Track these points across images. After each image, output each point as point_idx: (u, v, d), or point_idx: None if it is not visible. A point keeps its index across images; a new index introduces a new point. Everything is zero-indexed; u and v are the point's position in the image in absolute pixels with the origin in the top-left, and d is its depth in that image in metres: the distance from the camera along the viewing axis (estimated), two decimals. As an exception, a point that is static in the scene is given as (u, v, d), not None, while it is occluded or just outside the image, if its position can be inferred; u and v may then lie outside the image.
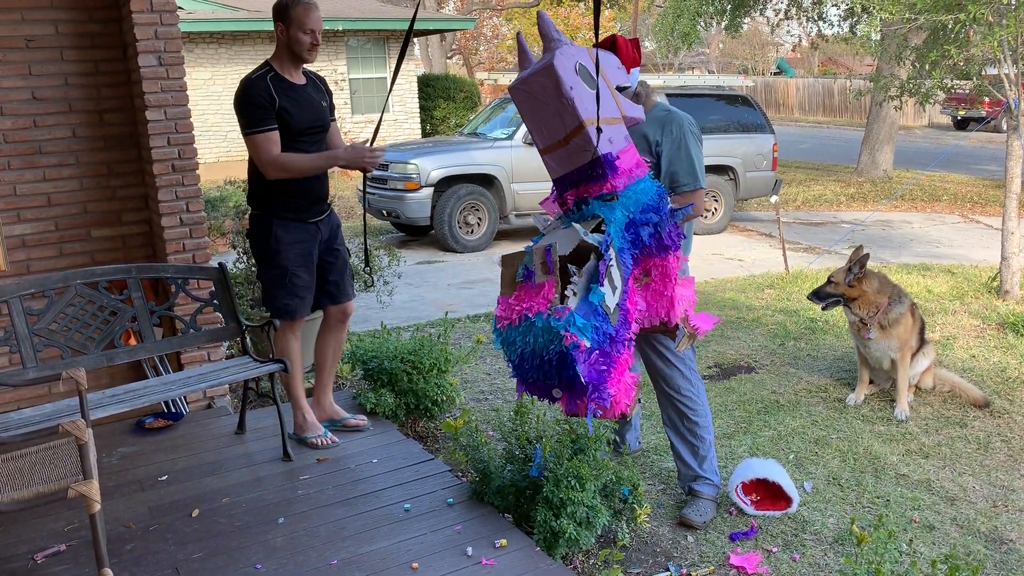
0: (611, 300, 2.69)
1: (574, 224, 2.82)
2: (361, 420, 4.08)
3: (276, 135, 3.54)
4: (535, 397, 2.79)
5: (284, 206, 3.67)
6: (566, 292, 2.63)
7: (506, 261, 2.87)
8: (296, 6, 3.56)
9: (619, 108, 2.96)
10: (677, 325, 2.96)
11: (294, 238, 3.69)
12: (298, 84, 3.68)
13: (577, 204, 2.95)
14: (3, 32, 4.00)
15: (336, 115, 3.95)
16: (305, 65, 3.73)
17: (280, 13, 3.59)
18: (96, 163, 4.28)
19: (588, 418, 2.72)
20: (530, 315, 2.67)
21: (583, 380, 2.56)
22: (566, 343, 2.53)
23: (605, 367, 2.65)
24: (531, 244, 2.80)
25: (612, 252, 2.72)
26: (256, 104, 3.53)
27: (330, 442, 3.88)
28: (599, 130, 2.71)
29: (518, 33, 3.18)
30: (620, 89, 3.07)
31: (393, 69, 16.62)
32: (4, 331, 3.47)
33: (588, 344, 2.56)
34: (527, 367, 2.72)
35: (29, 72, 4.08)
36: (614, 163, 2.84)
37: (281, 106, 3.56)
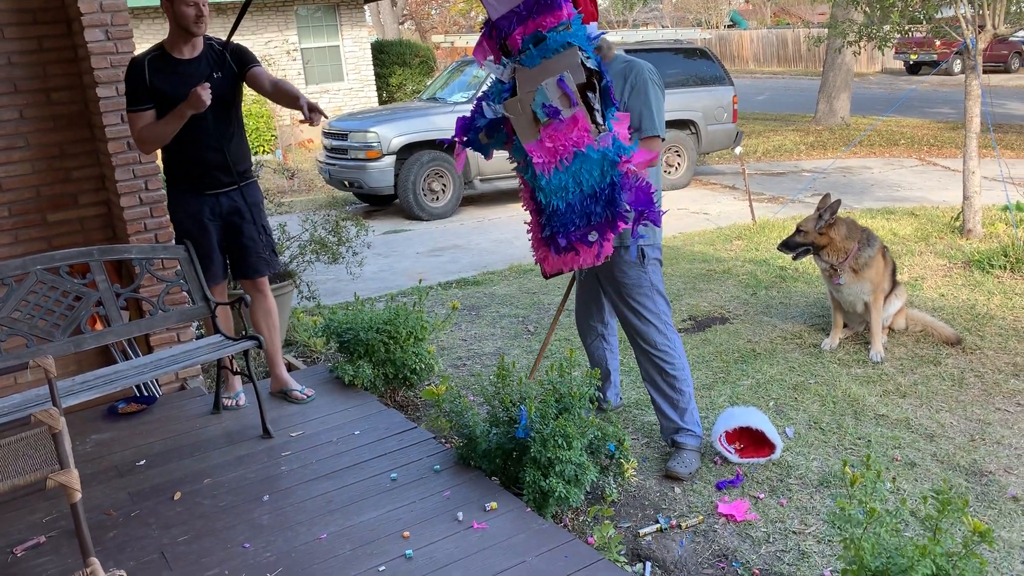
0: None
1: (572, 45, 2.73)
2: (309, 391, 4.11)
3: (147, 114, 3.65)
4: (558, 256, 2.74)
5: (175, 178, 3.84)
6: (597, 120, 2.58)
7: (512, 108, 2.80)
8: None
9: None
10: None
11: (185, 209, 3.84)
12: (186, 59, 3.69)
13: (531, 41, 2.85)
14: (-62, 11, 3.82)
15: (257, 61, 3.89)
16: (203, 35, 3.72)
17: None
18: (47, 144, 4.12)
19: (633, 249, 2.63)
20: (580, 149, 2.59)
21: (634, 207, 2.53)
22: (621, 167, 2.49)
23: (649, 186, 2.63)
24: (503, 94, 2.73)
25: (607, 76, 2.66)
26: (128, 84, 3.66)
27: (235, 405, 4.04)
28: None
29: None
30: None
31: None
32: (-36, 322, 3.35)
33: (634, 168, 2.52)
34: (575, 211, 2.66)
35: (-31, 52, 3.90)
36: None
37: (154, 86, 3.63)
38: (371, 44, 18.92)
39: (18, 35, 4.00)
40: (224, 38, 3.84)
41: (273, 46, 16.45)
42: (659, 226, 2.82)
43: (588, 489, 3.13)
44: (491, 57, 3.08)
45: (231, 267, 4.03)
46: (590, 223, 2.67)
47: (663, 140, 3.32)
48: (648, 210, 2.61)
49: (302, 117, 3.62)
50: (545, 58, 2.82)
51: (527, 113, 2.72)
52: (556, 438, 2.98)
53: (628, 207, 2.51)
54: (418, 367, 4.18)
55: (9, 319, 3.40)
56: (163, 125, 3.63)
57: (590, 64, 2.64)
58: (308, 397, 4.06)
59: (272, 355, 4.11)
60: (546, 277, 3.19)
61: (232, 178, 3.85)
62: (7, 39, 3.98)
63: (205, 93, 3.50)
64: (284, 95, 3.70)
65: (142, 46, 3.83)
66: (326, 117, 3.70)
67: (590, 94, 2.59)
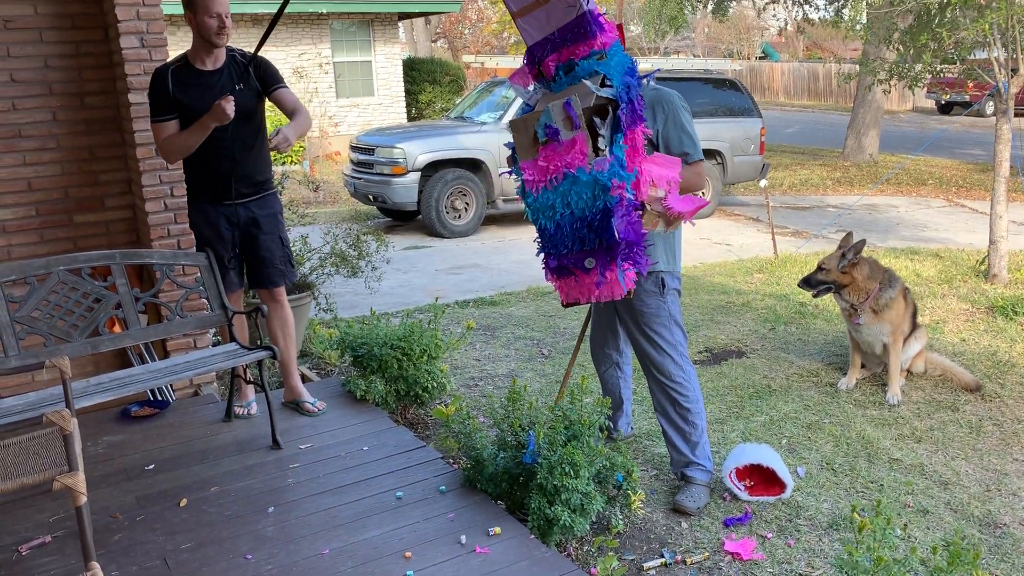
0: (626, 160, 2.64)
1: (583, 80, 2.73)
2: (320, 404, 4.12)
3: (171, 124, 3.69)
4: (556, 278, 2.72)
5: (195, 188, 3.91)
6: (599, 145, 2.56)
7: (516, 126, 2.80)
8: None
9: None
10: (643, 203, 2.85)
11: (202, 219, 3.90)
12: (209, 71, 3.74)
13: (564, 68, 2.85)
14: (-20, 12, 3.89)
15: (283, 80, 3.94)
16: (227, 47, 3.77)
17: (186, 1, 3.64)
18: (78, 147, 4.18)
19: (621, 279, 2.63)
20: (571, 171, 2.58)
21: (623, 237, 2.49)
22: (613, 194, 2.46)
23: (643, 232, 2.59)
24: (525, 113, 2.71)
25: (625, 104, 2.64)
26: (152, 96, 3.71)
27: (246, 414, 4.06)
28: None
29: None
30: None
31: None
32: (-15, 319, 3.39)
33: (630, 196, 2.49)
34: (564, 233, 2.65)
35: (7, 54, 3.97)
36: (600, 19, 2.75)
37: (176, 96, 3.67)
38: (403, 61, 19.11)
39: (56, 39, 4.07)
40: (249, 49, 3.89)
41: (306, 58, 16.63)
42: (642, 271, 2.78)
43: (594, 519, 3.11)
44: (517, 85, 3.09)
45: (248, 276, 4.06)
46: (583, 248, 2.66)
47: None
48: (635, 247, 2.58)
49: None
50: (572, 85, 2.83)
51: (529, 132, 2.73)
52: (563, 465, 2.96)
53: (618, 235, 2.49)
54: (430, 385, 4.18)
55: (29, 317, 3.44)
56: (186, 136, 3.67)
57: (606, 92, 2.64)
58: (319, 410, 4.06)
59: (287, 365, 4.13)
60: (564, 306, 3.19)
61: (250, 189, 3.89)
62: (45, 42, 4.05)
63: (229, 106, 3.54)
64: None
65: (177, 52, 3.87)
66: (280, 152, 3.74)
67: (596, 119, 2.59)
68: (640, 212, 2.87)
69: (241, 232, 3.92)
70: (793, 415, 4.34)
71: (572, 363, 4.00)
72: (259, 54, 3.82)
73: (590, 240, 2.61)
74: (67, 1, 4.07)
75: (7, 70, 3.98)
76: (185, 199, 4.22)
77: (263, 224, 3.94)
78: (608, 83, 2.78)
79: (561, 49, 2.84)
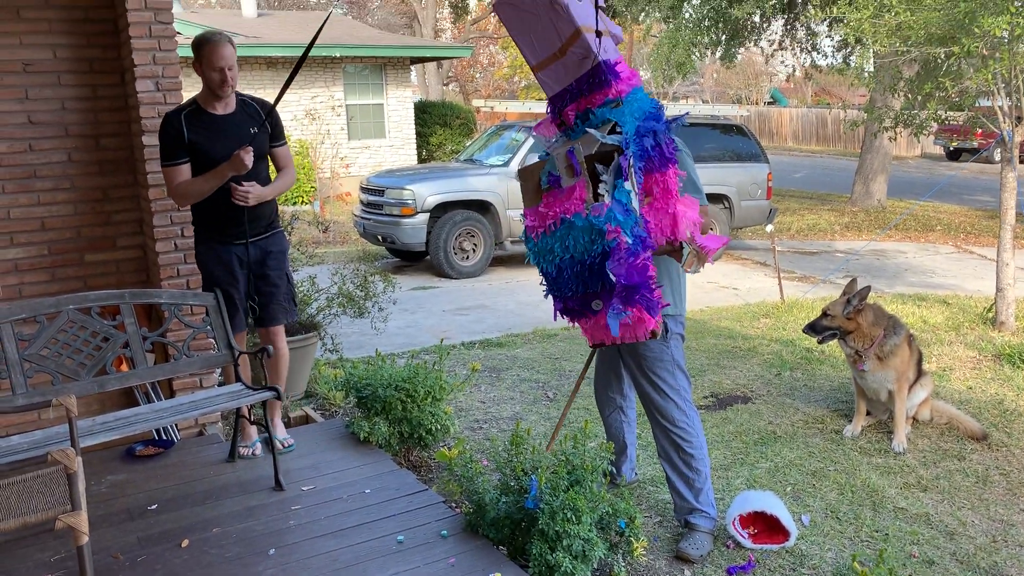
0: (637, 206, 2.65)
1: (588, 130, 2.78)
2: (289, 442, 4.15)
3: (183, 168, 3.77)
4: (572, 320, 2.74)
5: (204, 229, 3.96)
6: (599, 191, 2.59)
7: (523, 174, 2.85)
8: (205, 45, 3.72)
9: (604, 22, 2.93)
10: (683, 244, 2.90)
11: (214, 259, 3.95)
12: (221, 115, 3.83)
13: (581, 118, 2.90)
14: (1, 56, 3.99)
15: (285, 138, 4.07)
16: (243, 93, 3.93)
17: (194, 53, 3.76)
18: (91, 187, 4.26)
19: (653, 317, 2.63)
20: (568, 216, 2.62)
21: (622, 281, 2.51)
22: (608, 238, 2.48)
23: (649, 274, 2.60)
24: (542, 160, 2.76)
25: (632, 149, 2.67)
26: (164, 140, 3.77)
27: (251, 454, 4.06)
28: (599, 34, 2.68)
29: None
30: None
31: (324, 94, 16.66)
32: (-6, 356, 3.43)
33: (629, 240, 2.50)
34: (566, 277, 2.68)
35: (26, 96, 4.07)
36: (615, 68, 2.80)
37: (192, 139, 3.76)
38: (414, 104, 19.36)
39: (74, 82, 4.17)
40: (253, 93, 4.00)
41: (319, 101, 16.88)
42: (654, 314, 2.81)
43: (596, 566, 3.08)
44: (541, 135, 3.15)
45: (256, 316, 4.12)
46: (587, 290, 2.69)
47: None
48: (639, 290, 2.60)
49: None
50: (584, 134, 2.89)
51: (534, 179, 2.79)
52: (565, 511, 2.96)
53: (614, 277, 2.52)
54: (434, 427, 4.18)
55: (38, 356, 3.48)
56: (202, 183, 3.75)
57: (612, 139, 2.70)
58: (287, 447, 4.12)
59: (271, 401, 4.14)
60: (591, 347, 3.22)
61: (262, 228, 3.97)
62: (63, 85, 4.15)
63: (248, 157, 3.64)
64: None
65: (191, 94, 3.96)
66: (243, 202, 3.79)
67: (599, 166, 2.64)
68: (680, 253, 2.92)
69: (251, 271, 3.99)
70: (798, 462, 4.32)
71: (568, 407, 4.00)
72: (268, 102, 3.92)
73: (592, 283, 2.64)
74: (85, 45, 4.17)
75: (25, 112, 4.07)
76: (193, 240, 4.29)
77: (271, 261, 4.01)
78: (618, 130, 2.83)
79: (579, 99, 2.90)
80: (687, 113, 3.16)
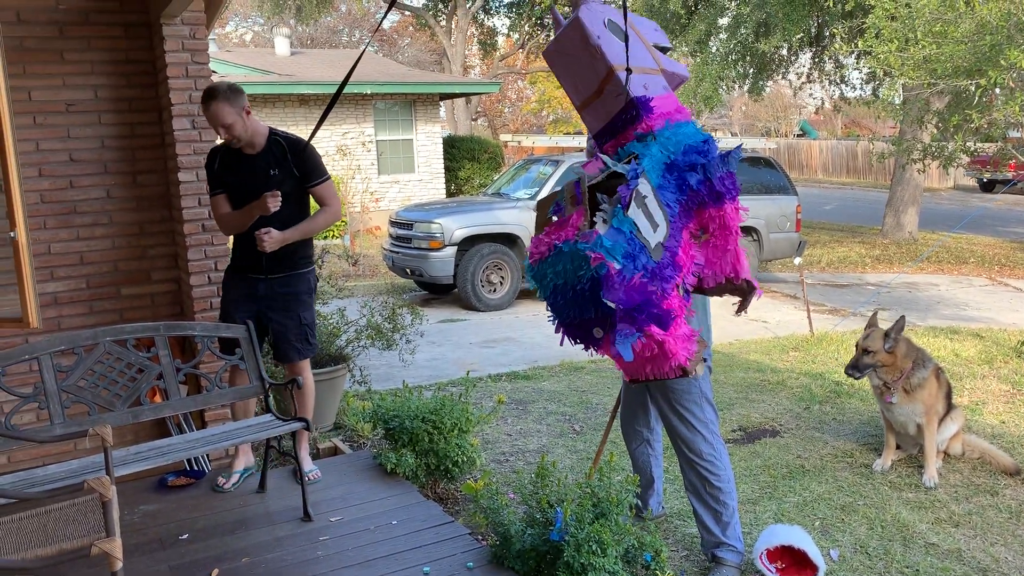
0: (651, 236, 2.64)
1: (601, 156, 2.83)
2: (316, 474, 4.21)
3: (219, 199, 4.00)
4: (578, 343, 2.74)
5: (232, 258, 4.16)
6: (594, 219, 2.63)
7: (540, 205, 2.91)
8: (203, 105, 3.87)
9: (656, 61, 2.97)
10: (747, 283, 2.92)
11: (231, 285, 4.11)
12: (248, 154, 3.97)
13: (617, 154, 2.95)
14: (45, 96, 4.14)
15: (322, 175, 4.11)
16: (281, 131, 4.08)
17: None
18: (128, 223, 4.38)
19: (625, 335, 2.60)
20: (559, 243, 2.66)
21: (621, 306, 2.51)
22: (592, 263, 2.49)
23: (651, 289, 2.58)
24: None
25: (645, 181, 2.68)
26: (207, 171, 4.05)
27: (223, 486, 4.12)
28: (628, 71, 2.73)
29: (551, 6, 3.27)
30: (662, 50, 3.09)
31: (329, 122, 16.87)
32: (34, 387, 3.52)
33: (618, 266, 2.49)
34: (561, 303, 2.70)
35: (68, 135, 4.21)
36: (648, 104, 2.83)
37: (218, 174, 3.99)
38: (443, 138, 19.60)
39: (113, 121, 4.31)
40: (288, 131, 4.13)
41: (350, 137, 17.16)
42: (665, 328, 2.75)
43: (621, 599, 3.08)
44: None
45: (273, 350, 4.25)
46: (583, 316, 2.71)
47: None
48: (645, 308, 2.59)
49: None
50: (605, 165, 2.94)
51: (545, 210, 2.85)
52: (591, 543, 2.96)
53: (611, 303, 2.53)
54: (460, 459, 4.21)
55: (75, 387, 3.57)
56: (236, 217, 3.96)
57: (620, 168, 2.75)
58: (313, 480, 4.17)
59: (299, 432, 4.19)
60: (629, 383, 3.25)
61: (281, 268, 4.05)
62: (103, 124, 4.29)
63: (274, 202, 3.79)
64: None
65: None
66: (260, 247, 3.89)
67: (600, 195, 2.70)
68: (744, 292, 2.97)
69: (260, 305, 4.09)
70: (827, 496, 4.28)
71: (604, 440, 4.01)
72: (309, 142, 4.00)
73: (585, 310, 2.67)
74: (125, 86, 4.32)
75: (67, 150, 4.21)
76: (225, 273, 4.40)
77: (279, 302, 4.09)
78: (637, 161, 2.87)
79: (616, 136, 2.96)
80: (741, 145, 3.16)
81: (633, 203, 2.62)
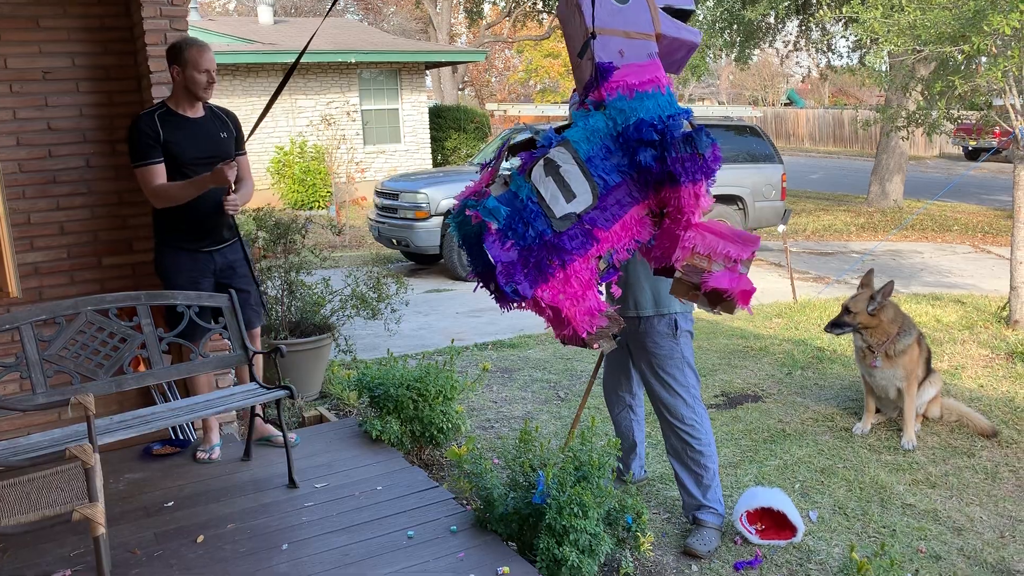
0: (560, 206, 2.62)
1: (533, 126, 2.93)
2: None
3: (159, 168, 3.80)
4: (492, 294, 2.75)
5: (173, 236, 3.95)
6: (495, 179, 2.71)
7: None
8: (190, 48, 3.78)
9: (654, 25, 2.86)
10: (676, 271, 2.77)
11: (181, 266, 3.95)
12: (193, 117, 3.89)
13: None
14: (21, 64, 4.09)
15: (245, 148, 4.12)
16: (208, 101, 3.96)
17: (175, 56, 3.82)
18: (108, 192, 4.34)
19: (507, 291, 2.60)
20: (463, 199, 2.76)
21: (491, 259, 2.58)
22: (473, 222, 2.58)
23: (531, 257, 2.59)
24: None
25: (564, 150, 2.67)
26: (139, 139, 3.79)
27: (208, 458, 4.08)
28: (592, 35, 2.73)
29: None
30: (684, 13, 2.97)
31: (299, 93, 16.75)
32: (15, 357, 3.51)
33: (496, 227, 2.58)
34: (467, 253, 2.81)
35: (45, 103, 4.16)
36: (607, 72, 2.78)
37: (166, 139, 3.81)
38: (429, 108, 19.46)
39: (91, 89, 4.26)
40: (217, 102, 4.13)
41: (335, 106, 17.02)
42: (550, 296, 2.70)
43: (603, 560, 3.13)
44: None
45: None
46: (476, 270, 2.79)
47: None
48: (510, 277, 2.61)
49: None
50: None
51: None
52: (572, 506, 3.00)
53: (492, 259, 2.61)
54: (445, 426, 4.24)
55: (57, 356, 3.56)
56: (181, 189, 3.79)
57: (539, 136, 2.81)
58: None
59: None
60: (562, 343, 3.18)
61: (228, 235, 4.04)
62: (81, 92, 4.24)
63: (231, 172, 3.71)
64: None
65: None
66: (233, 211, 3.88)
67: (513, 158, 2.79)
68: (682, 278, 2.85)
69: (216, 279, 4.04)
70: (807, 459, 4.34)
71: (583, 406, 4.04)
72: (233, 112, 4.08)
73: (478, 263, 2.74)
74: (102, 53, 4.26)
75: (45, 119, 4.17)
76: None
77: (239, 268, 4.08)
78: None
79: (583, 102, 2.96)
80: (690, 110, 3.03)
81: (540, 170, 2.63)
